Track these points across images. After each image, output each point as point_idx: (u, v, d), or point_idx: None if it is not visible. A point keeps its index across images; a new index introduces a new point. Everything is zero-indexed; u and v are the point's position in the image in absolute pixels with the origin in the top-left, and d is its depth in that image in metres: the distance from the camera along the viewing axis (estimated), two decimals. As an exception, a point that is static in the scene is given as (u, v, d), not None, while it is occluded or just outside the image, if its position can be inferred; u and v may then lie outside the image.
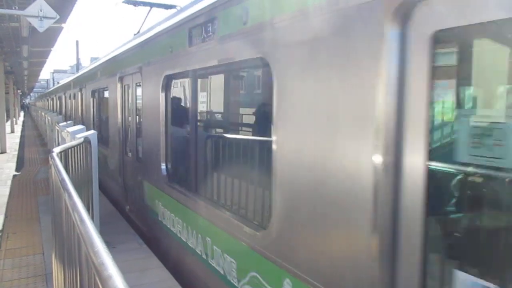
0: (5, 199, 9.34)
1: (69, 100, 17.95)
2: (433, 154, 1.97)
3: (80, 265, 2.07)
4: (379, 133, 2.12)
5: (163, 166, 5.52)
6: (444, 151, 2.06)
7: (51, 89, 36.19)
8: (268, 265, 3.10)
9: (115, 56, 8.51)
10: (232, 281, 3.70)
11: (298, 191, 2.75)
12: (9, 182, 11.28)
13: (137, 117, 7.04)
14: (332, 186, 2.45)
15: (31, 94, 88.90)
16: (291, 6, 2.81)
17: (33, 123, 41.93)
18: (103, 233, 1.99)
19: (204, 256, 4.30)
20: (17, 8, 11.03)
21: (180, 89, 5.66)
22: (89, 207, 5.69)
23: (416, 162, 1.99)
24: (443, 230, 2.17)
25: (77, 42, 58.22)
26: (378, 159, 2.12)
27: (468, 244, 2.09)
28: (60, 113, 21.57)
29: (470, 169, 1.97)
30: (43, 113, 24.17)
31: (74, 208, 2.33)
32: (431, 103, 1.94)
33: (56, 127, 10.62)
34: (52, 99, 29.56)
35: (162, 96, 5.46)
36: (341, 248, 2.41)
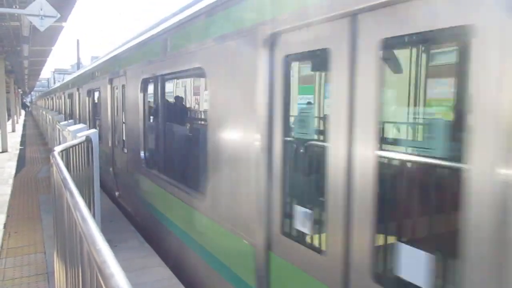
0: (7, 198, 9.35)
1: (76, 99, 14.86)
2: None
3: (82, 263, 2.07)
4: None
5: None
6: None
7: (53, 87, 34.15)
8: None
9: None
10: None
11: None
12: (10, 181, 11.28)
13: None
14: None
15: (32, 93, 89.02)
16: None
17: (34, 122, 41.95)
18: (104, 231, 1.99)
19: None
20: (17, 7, 11.04)
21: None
22: (90, 206, 5.69)
23: None
24: None
25: (77, 41, 58.14)
26: None
27: None
28: (69, 115, 18.04)
29: None
30: (44, 113, 24.09)
31: (76, 206, 2.32)
32: None
33: (57, 126, 10.62)
34: (59, 98, 24.68)
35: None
36: None
